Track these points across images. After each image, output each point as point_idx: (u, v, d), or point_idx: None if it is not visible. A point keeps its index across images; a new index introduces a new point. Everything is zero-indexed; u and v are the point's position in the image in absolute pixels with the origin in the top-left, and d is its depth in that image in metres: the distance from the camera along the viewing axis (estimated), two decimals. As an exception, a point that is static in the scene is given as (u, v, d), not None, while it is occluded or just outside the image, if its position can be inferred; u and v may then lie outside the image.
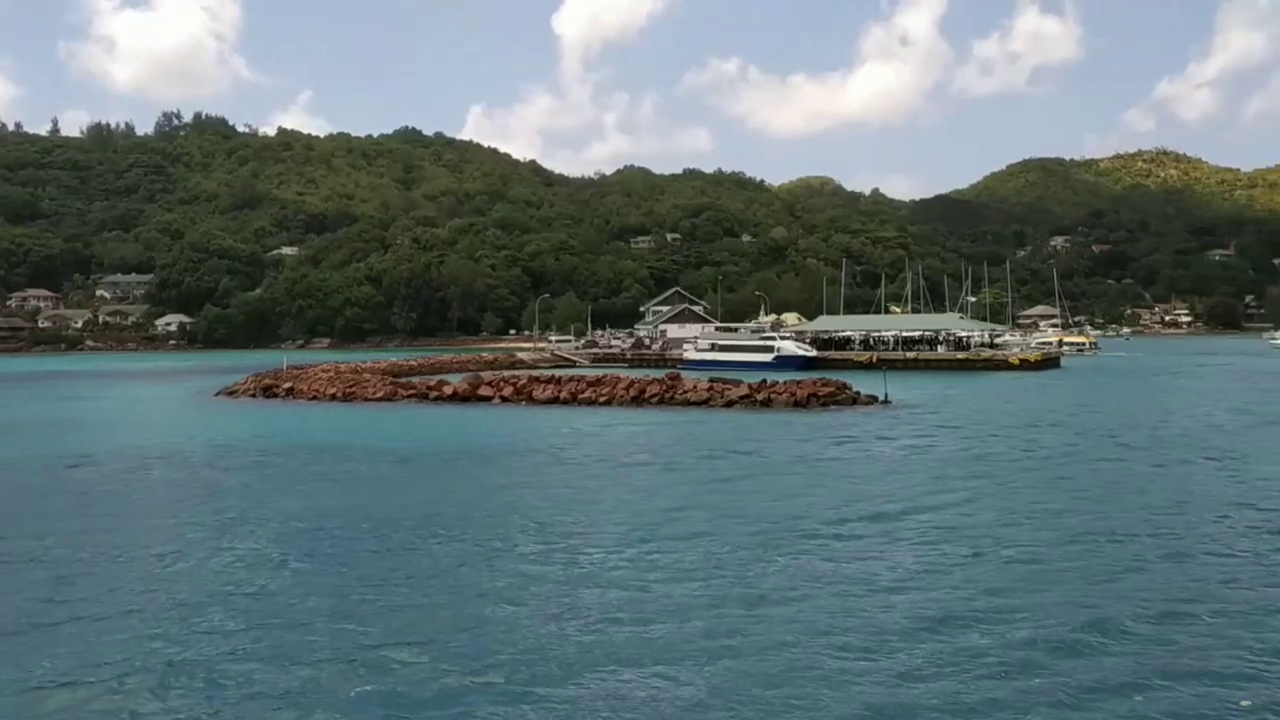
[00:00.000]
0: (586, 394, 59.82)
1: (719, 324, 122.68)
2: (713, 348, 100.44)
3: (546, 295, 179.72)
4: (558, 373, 70.69)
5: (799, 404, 55.51)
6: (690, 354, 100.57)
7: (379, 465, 32.99)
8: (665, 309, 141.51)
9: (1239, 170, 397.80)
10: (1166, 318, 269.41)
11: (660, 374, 70.48)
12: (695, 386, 59.40)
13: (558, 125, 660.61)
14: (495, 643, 14.39)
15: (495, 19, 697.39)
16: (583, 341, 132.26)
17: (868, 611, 15.65)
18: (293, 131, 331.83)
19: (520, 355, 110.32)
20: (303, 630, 14.92)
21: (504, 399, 60.36)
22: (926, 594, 16.61)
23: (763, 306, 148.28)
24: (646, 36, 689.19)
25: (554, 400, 59.38)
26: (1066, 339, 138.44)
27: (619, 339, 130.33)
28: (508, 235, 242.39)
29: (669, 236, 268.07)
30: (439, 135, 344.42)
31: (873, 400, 56.97)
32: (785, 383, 59.08)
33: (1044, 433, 41.52)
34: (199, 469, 33.18)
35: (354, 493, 27.72)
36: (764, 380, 60.17)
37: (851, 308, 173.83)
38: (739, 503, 25.24)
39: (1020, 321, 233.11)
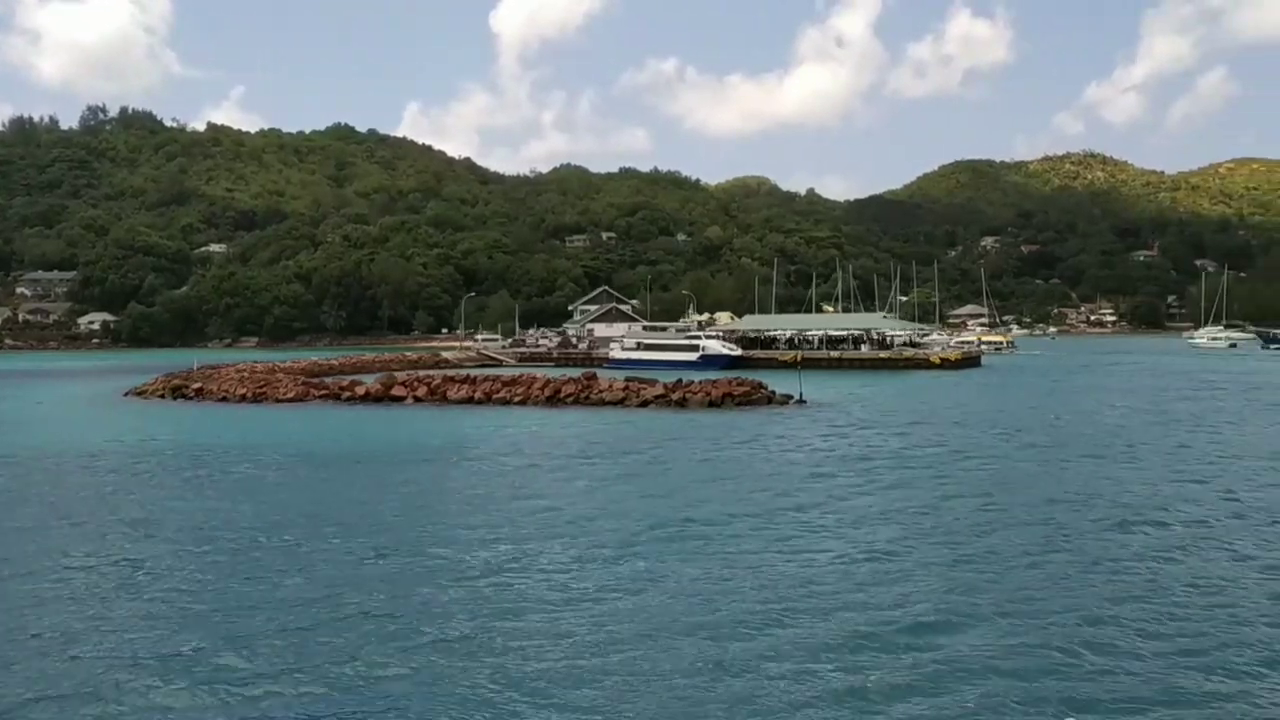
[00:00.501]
0: (501, 394, 59.41)
1: (646, 323, 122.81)
2: (638, 346, 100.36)
3: (473, 294, 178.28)
4: (473, 372, 70.11)
5: (714, 404, 55.57)
6: (616, 353, 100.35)
7: (264, 468, 32.30)
8: (593, 308, 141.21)
9: (1163, 173, 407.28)
10: (1092, 317, 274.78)
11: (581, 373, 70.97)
12: (611, 386, 59.27)
13: (495, 123, 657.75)
14: (309, 648, 14.10)
15: (432, 16, 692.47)
16: (510, 341, 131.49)
17: (701, 612, 15.56)
18: (223, 127, 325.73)
19: (445, 355, 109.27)
20: (115, 635, 14.51)
21: (417, 399, 59.70)
22: (756, 594, 16.53)
23: (691, 305, 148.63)
24: (584, 35, 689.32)
25: (468, 400, 58.88)
26: (985, 338, 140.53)
27: (547, 338, 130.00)
28: (441, 233, 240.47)
29: (604, 235, 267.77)
30: (372, 132, 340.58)
31: (788, 400, 57.10)
32: (700, 382, 59.16)
33: (944, 430, 41.95)
34: (74, 473, 32.23)
35: (222, 497, 27.04)
36: (679, 380, 60.19)
37: (784, 307, 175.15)
38: (619, 504, 25.03)
39: (950, 321, 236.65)
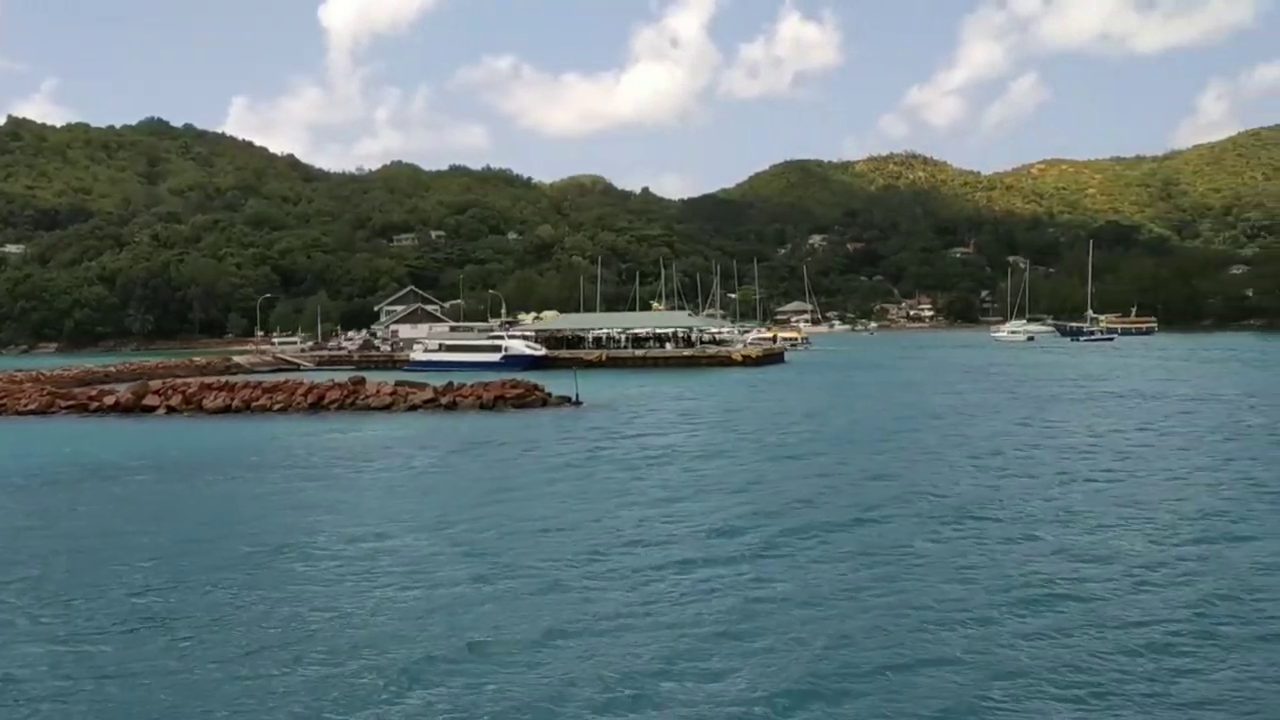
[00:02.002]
0: (261, 401, 56.34)
1: (453, 323, 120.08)
2: (440, 348, 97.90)
3: (268, 295, 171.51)
4: (234, 379, 66.52)
5: (485, 406, 54.08)
6: (417, 355, 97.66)
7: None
8: (400, 308, 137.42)
9: (979, 173, 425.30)
10: (911, 312, 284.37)
11: (388, 376, 69.13)
12: (378, 391, 56.97)
13: (327, 120, 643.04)
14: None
15: (258, 9, 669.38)
16: (310, 344, 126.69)
17: (233, 644, 14.14)
18: (24, 120, 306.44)
19: (238, 359, 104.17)
20: None
21: (171, 409, 56.01)
22: (295, 624, 15.12)
23: (502, 305, 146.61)
24: (418, 31, 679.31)
25: (225, 409, 55.52)
26: (781, 335, 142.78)
27: (350, 340, 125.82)
28: (258, 232, 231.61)
29: (434, 234, 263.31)
30: (189, 127, 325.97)
31: (565, 401, 55.94)
32: (473, 385, 57.43)
33: (694, 432, 41.36)
34: None
35: None
36: (449, 383, 58.36)
37: (612, 305, 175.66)
38: (261, 524, 23.18)
39: (777, 317, 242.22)
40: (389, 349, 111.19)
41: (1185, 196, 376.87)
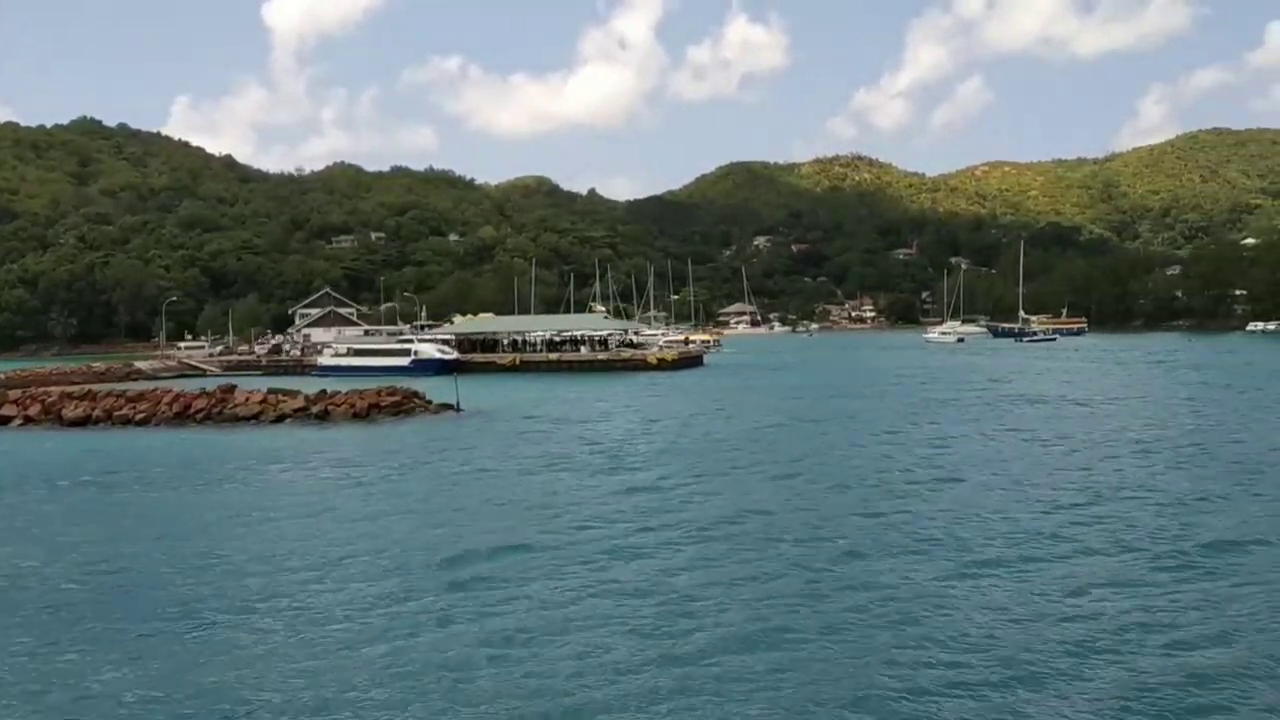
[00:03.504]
0: (124, 411, 53.88)
1: (367, 327, 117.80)
2: (349, 352, 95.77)
3: (174, 299, 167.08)
4: (97, 388, 63.67)
5: (359, 415, 52.16)
6: (325, 359, 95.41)
7: None
8: (314, 311, 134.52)
9: (924, 175, 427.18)
10: (854, 313, 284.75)
11: (296, 381, 67.33)
12: (247, 400, 54.69)
13: (273, 120, 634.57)
14: None
15: (200, 7, 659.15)
16: (219, 349, 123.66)
17: None
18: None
19: (140, 365, 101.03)
20: None
21: (29, 419, 53.64)
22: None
23: (421, 308, 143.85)
24: (364, 31, 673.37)
25: (86, 420, 53.13)
26: (693, 337, 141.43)
27: (261, 344, 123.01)
28: (188, 234, 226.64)
29: (373, 236, 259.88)
30: (123, 126, 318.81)
31: (446, 408, 54.22)
32: (347, 393, 55.51)
33: (551, 444, 39.72)
34: None
35: None
36: (323, 391, 56.35)
37: (552, 307, 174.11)
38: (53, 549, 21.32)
39: (719, 319, 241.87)
40: (298, 353, 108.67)
41: (1125, 198, 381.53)
